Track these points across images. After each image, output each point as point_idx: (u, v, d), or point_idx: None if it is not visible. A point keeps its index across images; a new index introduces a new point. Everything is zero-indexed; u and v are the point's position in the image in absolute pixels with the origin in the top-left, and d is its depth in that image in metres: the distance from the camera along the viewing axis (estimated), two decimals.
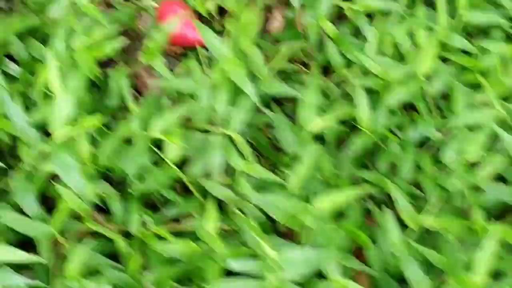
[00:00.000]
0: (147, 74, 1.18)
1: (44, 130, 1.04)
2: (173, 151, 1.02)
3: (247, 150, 1.04)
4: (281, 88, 1.09)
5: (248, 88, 1.03)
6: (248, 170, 1.02)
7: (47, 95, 1.10)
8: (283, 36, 1.23)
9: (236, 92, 1.07)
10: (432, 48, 1.10)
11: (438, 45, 1.12)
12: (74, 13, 1.14)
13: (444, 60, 1.14)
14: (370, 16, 1.20)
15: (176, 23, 1.09)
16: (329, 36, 1.17)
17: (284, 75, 1.21)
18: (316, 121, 1.04)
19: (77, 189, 0.96)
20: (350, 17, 1.19)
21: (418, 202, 1.04)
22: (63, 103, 0.96)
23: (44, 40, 1.19)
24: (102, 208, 1.02)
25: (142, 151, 1.04)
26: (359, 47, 1.17)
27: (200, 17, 1.24)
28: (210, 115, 1.07)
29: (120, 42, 1.10)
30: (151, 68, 1.13)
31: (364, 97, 1.08)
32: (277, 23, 1.25)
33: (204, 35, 1.06)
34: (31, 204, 0.99)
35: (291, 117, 1.18)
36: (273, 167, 1.10)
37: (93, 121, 0.96)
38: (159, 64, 1.07)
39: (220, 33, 1.25)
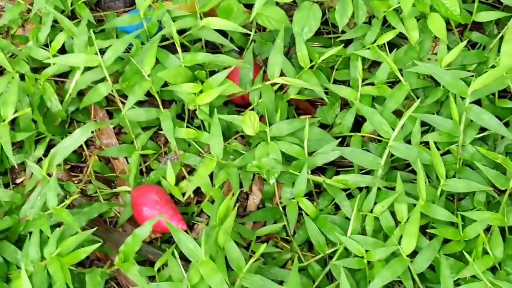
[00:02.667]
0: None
1: None
2: None
3: None
4: (261, 283, 1.05)
5: None
6: None
7: None
8: (263, 214, 1.21)
9: None
10: (415, 226, 1.07)
11: (421, 218, 1.09)
12: (47, 216, 1.11)
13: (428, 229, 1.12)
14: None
15: (150, 229, 1.06)
16: (307, 215, 1.15)
17: (267, 255, 1.18)
18: None
19: None
20: (329, 191, 1.17)
21: None
22: None
23: (20, 240, 1.17)
24: None
25: None
26: (340, 225, 1.14)
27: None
28: None
29: (95, 247, 1.07)
30: None
31: (347, 283, 1.05)
32: (256, 199, 1.23)
33: (177, 238, 1.04)
34: None
35: None
36: None
37: None
38: (134, 272, 1.04)
39: (198, 215, 1.23)
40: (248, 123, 1.16)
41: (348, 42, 1.30)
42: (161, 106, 1.21)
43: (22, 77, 1.24)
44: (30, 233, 1.16)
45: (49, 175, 1.14)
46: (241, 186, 1.20)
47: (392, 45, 1.28)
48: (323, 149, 1.17)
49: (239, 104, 1.29)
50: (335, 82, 1.29)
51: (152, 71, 1.18)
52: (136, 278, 1.04)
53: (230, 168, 1.17)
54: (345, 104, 1.29)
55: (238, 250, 1.07)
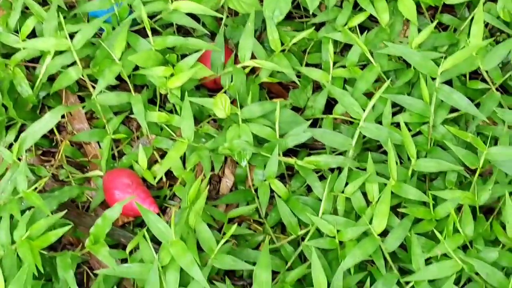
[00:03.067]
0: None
1: None
2: None
3: None
4: (233, 263, 1.05)
5: (196, 274, 1.00)
6: None
7: None
8: (235, 196, 1.21)
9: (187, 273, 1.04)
10: (385, 205, 1.08)
11: (392, 198, 1.09)
12: (17, 200, 1.10)
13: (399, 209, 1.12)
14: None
15: (119, 210, 1.06)
16: (279, 196, 1.15)
17: (240, 237, 1.18)
18: None
19: None
20: (301, 173, 1.17)
21: None
22: None
23: None
24: None
25: None
26: (312, 206, 1.14)
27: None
28: None
29: (65, 229, 1.06)
30: None
31: (318, 262, 1.04)
32: (229, 182, 1.23)
33: (147, 219, 1.03)
34: None
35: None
36: None
37: None
38: (104, 254, 1.04)
39: (171, 198, 1.23)
40: (219, 105, 1.16)
41: (320, 26, 1.30)
42: (132, 91, 1.20)
43: None
44: (1, 217, 1.15)
45: (20, 159, 1.14)
46: (213, 169, 1.20)
47: (363, 28, 1.28)
48: (295, 131, 1.17)
49: (212, 89, 1.29)
50: (308, 65, 1.28)
51: (123, 55, 1.18)
52: (105, 259, 1.04)
53: (201, 151, 1.17)
54: (318, 87, 1.29)
55: (209, 232, 1.06)
